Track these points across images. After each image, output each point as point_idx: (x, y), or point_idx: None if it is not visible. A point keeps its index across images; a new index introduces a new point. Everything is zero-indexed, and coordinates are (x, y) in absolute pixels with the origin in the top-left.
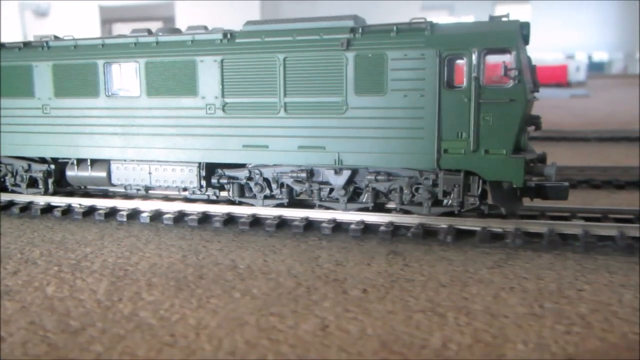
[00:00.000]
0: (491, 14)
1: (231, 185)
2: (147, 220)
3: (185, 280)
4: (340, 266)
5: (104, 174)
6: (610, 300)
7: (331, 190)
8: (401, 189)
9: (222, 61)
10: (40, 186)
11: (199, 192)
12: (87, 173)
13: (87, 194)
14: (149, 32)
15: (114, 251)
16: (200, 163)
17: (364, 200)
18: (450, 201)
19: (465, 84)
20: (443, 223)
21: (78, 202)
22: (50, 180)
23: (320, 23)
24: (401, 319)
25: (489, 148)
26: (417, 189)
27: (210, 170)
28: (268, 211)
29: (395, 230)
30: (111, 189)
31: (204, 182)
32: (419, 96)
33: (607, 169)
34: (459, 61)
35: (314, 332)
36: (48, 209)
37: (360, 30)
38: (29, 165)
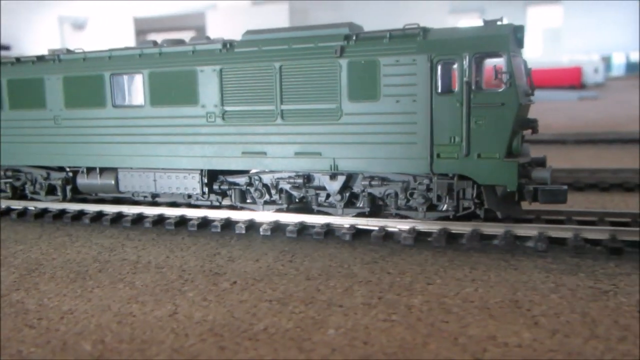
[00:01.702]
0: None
1: (233, 191)
2: (87, 222)
3: (84, 274)
4: (231, 262)
5: (112, 182)
6: (449, 293)
7: (328, 195)
8: (396, 194)
9: (221, 70)
10: (59, 193)
11: (202, 199)
12: (97, 181)
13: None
14: (155, 43)
15: (42, 248)
16: (202, 170)
17: (360, 206)
18: (445, 206)
19: (457, 88)
20: (346, 223)
21: (33, 205)
22: (68, 188)
23: (316, 31)
24: (246, 307)
25: (481, 152)
26: (411, 194)
27: (212, 177)
28: (193, 212)
29: (302, 230)
30: (119, 196)
31: (206, 189)
32: (411, 101)
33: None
34: (451, 66)
35: (162, 317)
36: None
37: (353, 38)
38: (48, 174)
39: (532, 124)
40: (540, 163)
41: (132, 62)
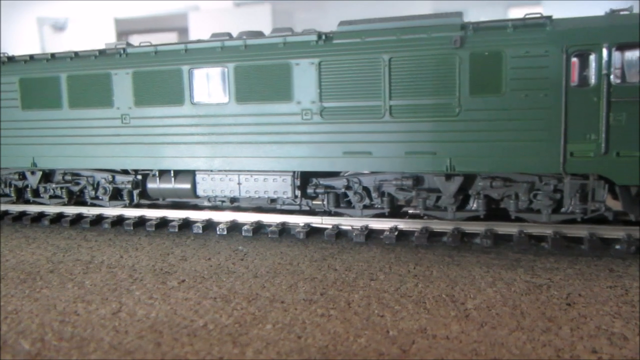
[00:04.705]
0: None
1: (326, 195)
2: (47, 223)
3: (35, 274)
4: (183, 261)
5: (188, 186)
6: (389, 288)
7: (437, 198)
8: (516, 196)
9: (319, 63)
10: (125, 198)
11: (292, 202)
12: (170, 185)
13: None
14: (230, 36)
15: None
16: (294, 172)
17: (473, 208)
18: (571, 207)
19: (594, 81)
20: (301, 222)
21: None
22: (135, 192)
23: (426, 21)
24: (190, 305)
25: (621, 150)
26: (535, 195)
27: (304, 179)
28: (152, 213)
29: (258, 229)
30: (194, 201)
31: (298, 192)
32: (541, 96)
33: None
34: (588, 57)
35: (104, 316)
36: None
37: (471, 27)
38: (113, 177)
39: None
40: None
41: (214, 55)
